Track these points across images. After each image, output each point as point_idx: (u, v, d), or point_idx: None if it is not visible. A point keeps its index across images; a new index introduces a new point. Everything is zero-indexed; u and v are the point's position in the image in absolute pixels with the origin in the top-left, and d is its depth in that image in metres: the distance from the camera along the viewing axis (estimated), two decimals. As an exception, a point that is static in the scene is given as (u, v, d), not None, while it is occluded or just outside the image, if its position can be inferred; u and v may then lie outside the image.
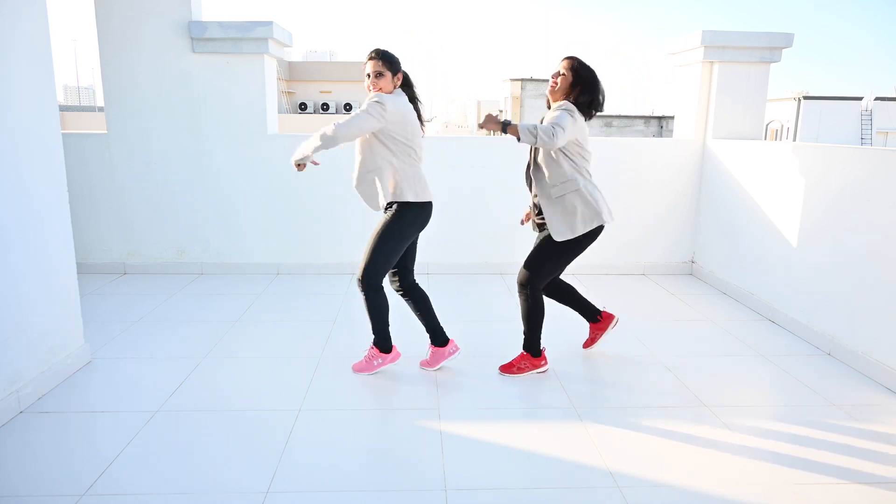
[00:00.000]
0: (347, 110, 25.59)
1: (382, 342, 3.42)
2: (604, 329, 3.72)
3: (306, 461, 2.59)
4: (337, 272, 5.56)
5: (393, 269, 3.34)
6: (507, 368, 3.46)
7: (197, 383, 3.30)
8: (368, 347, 3.47)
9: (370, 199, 3.19)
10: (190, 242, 5.51)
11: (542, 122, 3.17)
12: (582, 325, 3.96)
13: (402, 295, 3.42)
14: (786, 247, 4.31)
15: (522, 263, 3.41)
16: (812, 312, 4.02)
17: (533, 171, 3.33)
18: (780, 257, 4.37)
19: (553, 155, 3.21)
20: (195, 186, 5.42)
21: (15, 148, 2.95)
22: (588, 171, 3.31)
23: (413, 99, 3.25)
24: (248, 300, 4.76)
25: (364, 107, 3.01)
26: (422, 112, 3.31)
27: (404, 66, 3.24)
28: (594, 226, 3.27)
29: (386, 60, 3.08)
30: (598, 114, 3.35)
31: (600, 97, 3.23)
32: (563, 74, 3.21)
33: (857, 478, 2.51)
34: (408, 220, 3.17)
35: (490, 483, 2.46)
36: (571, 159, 3.21)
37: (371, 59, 3.08)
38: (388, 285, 3.38)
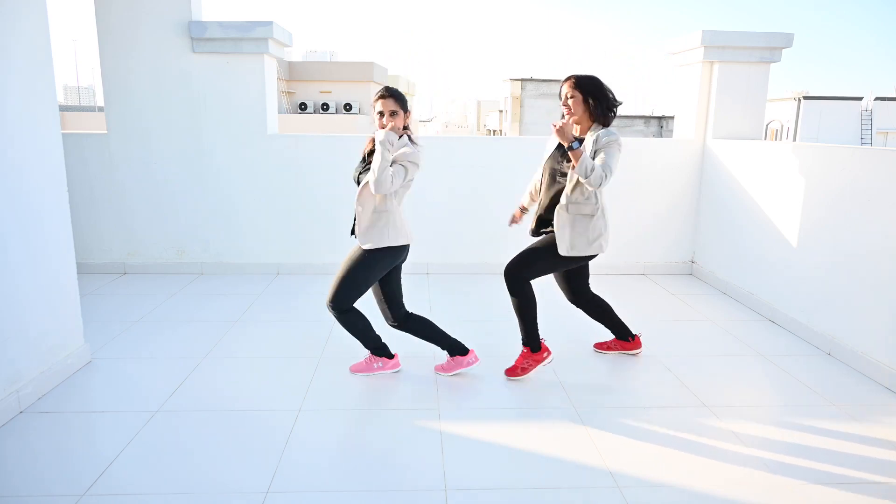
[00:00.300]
0: (348, 110, 25.55)
1: (379, 351, 3.42)
2: (626, 349, 3.75)
3: (306, 461, 2.59)
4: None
5: (384, 304, 3.31)
6: (511, 372, 3.42)
7: (197, 383, 3.30)
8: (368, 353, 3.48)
9: (368, 232, 3.11)
10: (190, 242, 5.52)
11: (590, 152, 3.19)
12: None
13: (399, 328, 3.35)
14: (786, 247, 4.31)
15: (514, 257, 3.40)
16: (812, 312, 4.02)
17: (562, 180, 3.30)
18: (780, 257, 4.38)
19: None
20: (195, 186, 5.42)
21: (15, 148, 2.95)
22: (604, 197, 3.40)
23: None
24: (248, 300, 4.76)
25: (402, 163, 3.02)
26: None
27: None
28: (595, 252, 3.33)
29: (398, 99, 3.09)
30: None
31: (611, 96, 3.25)
32: (573, 96, 3.22)
33: (857, 478, 2.51)
34: (383, 257, 3.14)
35: (490, 483, 2.46)
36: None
37: (383, 97, 3.07)
38: (385, 322, 3.36)
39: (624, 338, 3.74)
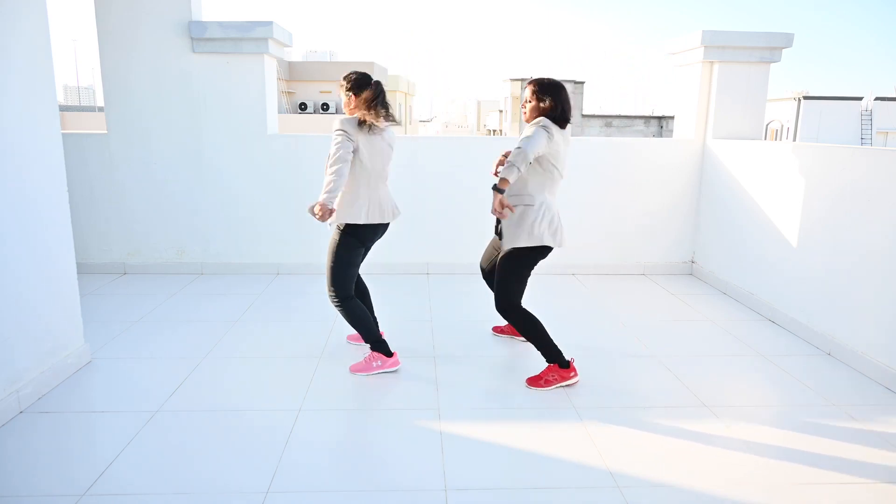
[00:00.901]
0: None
1: (378, 345, 3.44)
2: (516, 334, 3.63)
3: (306, 461, 2.59)
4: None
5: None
6: (534, 382, 3.29)
7: (197, 383, 3.30)
8: (369, 351, 3.49)
9: (340, 212, 3.25)
10: (190, 242, 5.51)
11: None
12: (582, 324, 3.96)
13: (337, 305, 3.37)
14: (786, 247, 4.31)
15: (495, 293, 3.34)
16: (812, 312, 4.02)
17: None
18: (780, 257, 4.38)
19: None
20: (195, 186, 5.42)
21: (15, 148, 2.95)
22: (552, 191, 3.25)
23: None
24: (248, 300, 4.76)
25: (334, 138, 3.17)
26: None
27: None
28: (538, 243, 3.18)
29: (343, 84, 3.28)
30: (574, 120, 3.34)
31: (562, 104, 3.16)
32: (528, 100, 3.23)
33: (857, 478, 2.51)
34: (355, 232, 3.31)
35: (490, 483, 2.46)
36: (540, 176, 3.17)
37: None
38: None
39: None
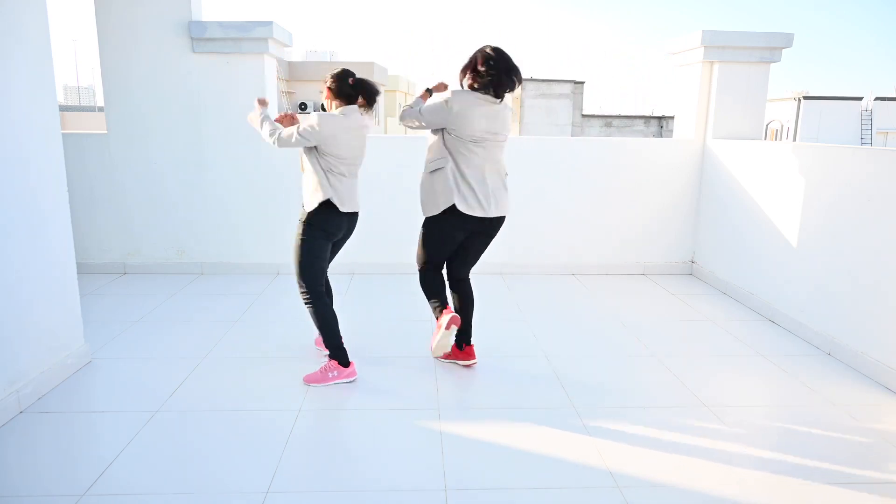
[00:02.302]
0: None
1: (337, 352, 3.33)
2: (457, 358, 3.53)
3: (306, 461, 2.59)
4: (337, 272, 5.55)
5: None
6: (312, 378, 3.31)
7: (197, 383, 3.30)
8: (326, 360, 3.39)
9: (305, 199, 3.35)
10: (190, 242, 5.51)
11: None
12: (582, 324, 3.96)
13: (306, 302, 3.32)
14: (786, 247, 4.31)
15: None
16: (812, 312, 4.02)
17: None
18: (780, 257, 4.38)
19: (433, 133, 3.29)
20: (195, 186, 5.42)
21: (15, 148, 2.95)
22: (468, 161, 3.19)
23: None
24: (248, 300, 4.76)
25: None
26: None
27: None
28: (444, 207, 3.21)
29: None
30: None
31: (486, 70, 3.12)
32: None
33: (857, 478, 2.51)
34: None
35: (490, 483, 2.46)
36: (445, 144, 3.22)
37: None
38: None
39: (459, 345, 3.53)
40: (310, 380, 3.30)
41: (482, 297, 4.93)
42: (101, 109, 22.48)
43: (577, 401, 3.15)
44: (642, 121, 28.10)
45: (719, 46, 5.27)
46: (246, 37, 5.14)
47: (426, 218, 3.35)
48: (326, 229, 3.28)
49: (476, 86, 3.18)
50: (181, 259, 5.53)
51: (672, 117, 23.86)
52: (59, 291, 3.31)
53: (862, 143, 26.60)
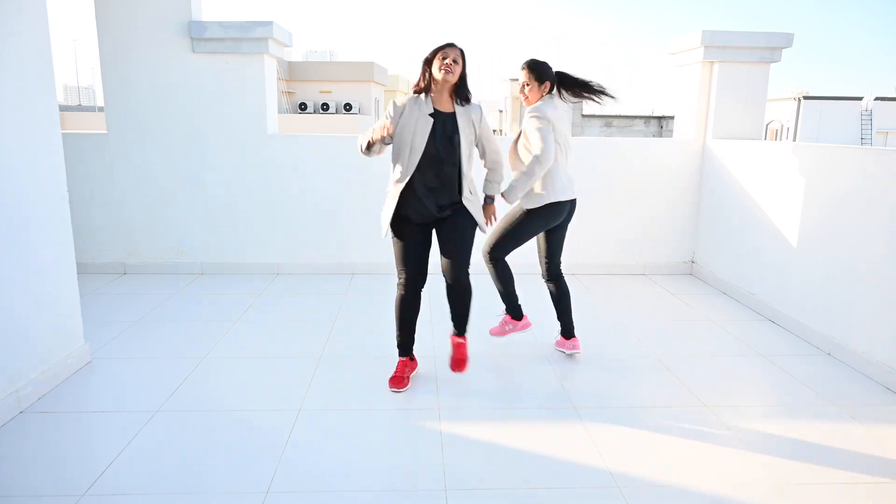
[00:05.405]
0: (348, 110, 25.53)
1: (513, 309, 3.75)
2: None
3: (306, 461, 2.59)
4: (337, 272, 5.56)
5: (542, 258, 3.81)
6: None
7: (197, 383, 3.30)
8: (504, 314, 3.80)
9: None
10: (189, 242, 5.51)
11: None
12: (582, 324, 3.95)
13: (548, 281, 3.75)
14: (786, 247, 4.31)
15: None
16: (812, 312, 4.02)
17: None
18: (780, 257, 4.37)
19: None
20: (195, 186, 5.42)
21: (15, 148, 2.95)
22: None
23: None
24: (248, 300, 4.76)
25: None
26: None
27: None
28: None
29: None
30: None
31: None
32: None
33: (858, 478, 2.51)
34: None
35: (490, 483, 2.46)
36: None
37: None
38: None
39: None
40: (494, 332, 3.83)
41: (482, 297, 4.93)
42: (101, 109, 22.48)
43: (577, 401, 3.15)
44: (642, 121, 28.10)
45: (719, 46, 5.27)
46: (246, 37, 5.14)
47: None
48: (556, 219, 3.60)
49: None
50: (181, 259, 5.53)
51: (672, 117, 23.85)
52: (59, 291, 3.31)
53: (862, 143, 26.60)
